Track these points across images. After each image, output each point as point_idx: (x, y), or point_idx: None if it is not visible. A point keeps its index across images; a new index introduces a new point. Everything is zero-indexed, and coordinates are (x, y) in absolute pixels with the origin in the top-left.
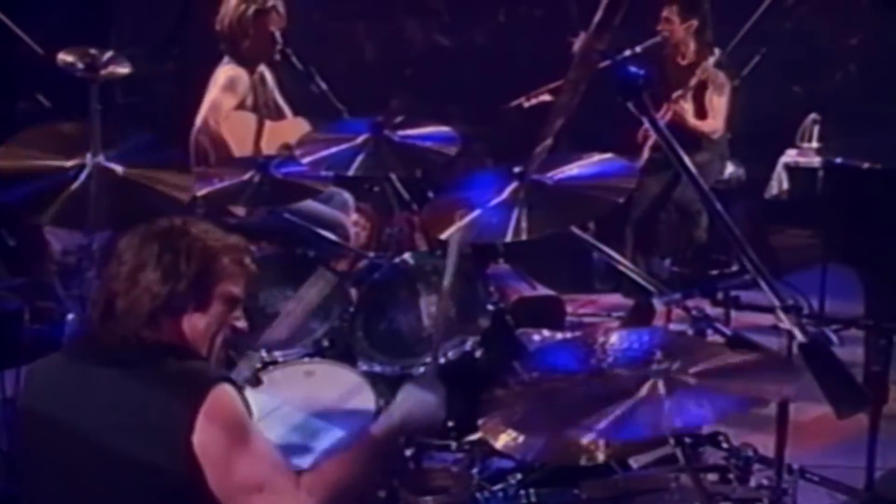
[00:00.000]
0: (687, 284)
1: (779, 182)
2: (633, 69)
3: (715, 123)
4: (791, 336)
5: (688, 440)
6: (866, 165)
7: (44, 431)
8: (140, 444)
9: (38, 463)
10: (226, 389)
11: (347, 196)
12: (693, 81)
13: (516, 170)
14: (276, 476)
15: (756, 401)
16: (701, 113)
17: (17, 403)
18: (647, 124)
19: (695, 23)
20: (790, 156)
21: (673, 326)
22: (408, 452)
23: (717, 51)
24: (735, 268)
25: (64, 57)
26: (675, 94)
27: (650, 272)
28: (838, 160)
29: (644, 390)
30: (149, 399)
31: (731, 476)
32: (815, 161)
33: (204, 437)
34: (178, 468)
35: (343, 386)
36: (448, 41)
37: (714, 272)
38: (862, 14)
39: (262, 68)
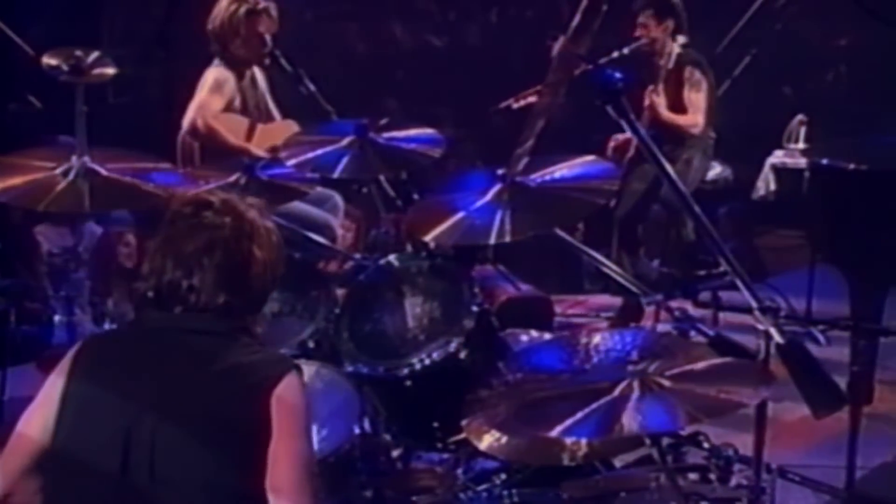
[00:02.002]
0: (675, 285)
1: (766, 183)
2: (610, 72)
3: (694, 118)
4: (768, 337)
5: (669, 440)
6: (852, 166)
7: (115, 395)
8: (224, 396)
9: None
10: (302, 377)
11: (339, 199)
12: (662, 73)
13: (500, 172)
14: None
15: (731, 405)
16: (680, 110)
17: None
18: (626, 128)
19: (671, 24)
20: (777, 157)
21: (661, 327)
22: (394, 453)
23: (679, 38)
24: (723, 268)
25: (48, 60)
26: (648, 89)
27: (637, 272)
28: (824, 161)
29: (618, 391)
30: (238, 361)
31: (711, 476)
32: (802, 162)
33: (282, 399)
34: (253, 421)
35: (328, 387)
36: (439, 42)
37: (702, 273)
38: (851, 15)
39: (254, 70)
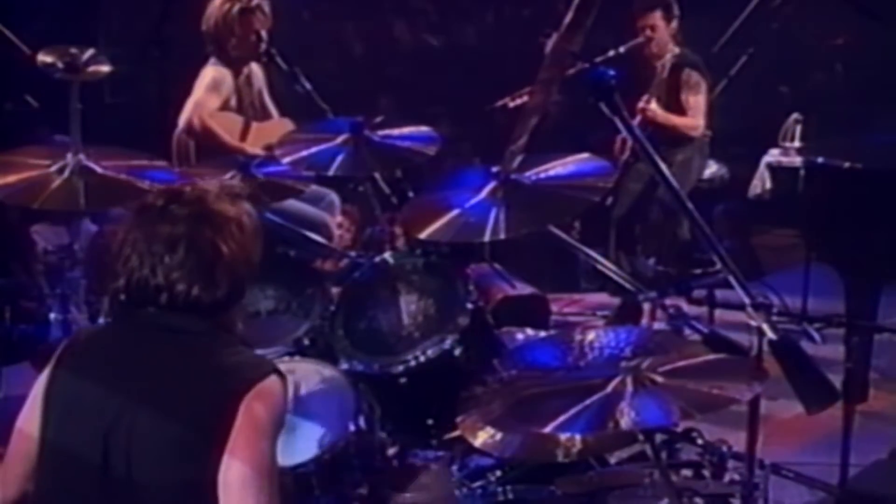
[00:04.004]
0: (671, 283)
1: (762, 182)
2: (604, 69)
3: (694, 121)
4: (761, 333)
5: (663, 436)
6: (847, 165)
7: (98, 390)
8: (201, 397)
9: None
10: (282, 383)
11: (335, 198)
12: (655, 81)
13: (494, 169)
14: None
15: (724, 401)
16: (676, 112)
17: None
18: (619, 125)
19: (676, 25)
20: (773, 155)
21: (657, 325)
22: (389, 451)
23: (673, 48)
24: (718, 266)
25: (43, 57)
26: (640, 104)
27: (634, 271)
28: (820, 160)
29: (611, 387)
30: (217, 362)
31: (704, 472)
32: (797, 161)
33: (258, 401)
34: (229, 423)
35: (323, 384)
36: (436, 41)
37: (698, 271)
38: (847, 15)
39: (252, 68)
